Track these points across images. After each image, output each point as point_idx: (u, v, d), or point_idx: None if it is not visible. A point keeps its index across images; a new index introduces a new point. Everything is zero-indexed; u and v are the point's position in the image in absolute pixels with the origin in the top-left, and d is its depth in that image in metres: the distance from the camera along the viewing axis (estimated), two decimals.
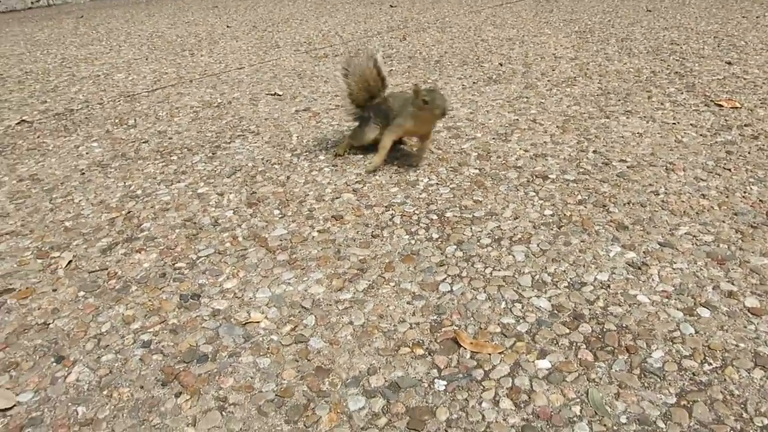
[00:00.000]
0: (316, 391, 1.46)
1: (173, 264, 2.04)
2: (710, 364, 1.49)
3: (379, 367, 1.53)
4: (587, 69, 4.62)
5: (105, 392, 1.48)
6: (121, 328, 1.72)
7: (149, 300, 1.84)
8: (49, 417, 1.42)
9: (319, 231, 2.23)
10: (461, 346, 1.59)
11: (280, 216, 2.36)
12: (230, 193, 2.59)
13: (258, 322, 1.72)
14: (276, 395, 1.45)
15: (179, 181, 2.71)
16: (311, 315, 1.75)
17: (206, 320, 1.74)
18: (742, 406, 1.37)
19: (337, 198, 2.50)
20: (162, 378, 1.52)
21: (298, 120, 3.57)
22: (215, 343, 1.64)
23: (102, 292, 1.90)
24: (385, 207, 2.39)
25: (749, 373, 1.46)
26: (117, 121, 3.63)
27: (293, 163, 2.90)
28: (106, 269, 2.03)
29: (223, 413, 1.40)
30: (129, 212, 2.44)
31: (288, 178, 2.73)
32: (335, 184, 2.63)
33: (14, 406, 1.45)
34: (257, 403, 1.43)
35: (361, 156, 2.94)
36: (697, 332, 1.60)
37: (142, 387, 1.49)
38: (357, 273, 1.95)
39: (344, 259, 2.03)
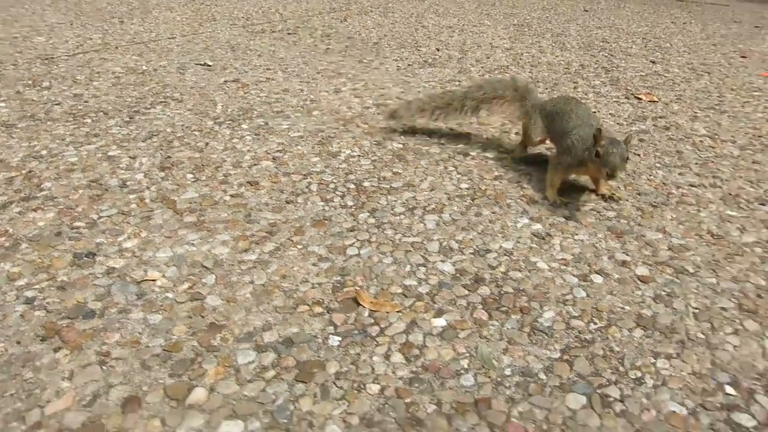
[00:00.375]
0: (206, 347, 1.43)
1: (71, 223, 1.95)
2: (596, 323, 1.54)
3: (275, 324, 1.51)
4: (520, 59, 4.71)
5: None
6: (4, 284, 1.63)
7: (39, 258, 1.75)
8: None
9: (231, 195, 2.18)
10: (360, 305, 1.58)
11: (193, 180, 2.30)
12: (143, 156, 2.50)
13: (154, 280, 1.67)
14: (163, 350, 1.41)
15: (90, 143, 2.60)
16: (212, 274, 1.71)
17: (99, 278, 1.67)
18: (620, 360, 1.42)
19: (255, 165, 2.46)
20: (42, 333, 1.45)
21: (225, 90, 3.49)
22: (105, 300, 1.58)
23: None
24: (303, 175, 2.37)
25: (630, 332, 1.52)
26: (30, 82, 3.45)
27: (214, 130, 2.83)
28: None
29: (103, 367, 1.35)
30: (30, 172, 2.32)
31: (207, 144, 2.66)
32: (255, 152, 2.59)
33: None
34: (141, 358, 1.39)
35: (288, 125, 2.89)
36: (588, 296, 1.66)
37: (18, 342, 1.42)
38: (265, 236, 1.92)
39: (254, 222, 2.00)
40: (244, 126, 2.90)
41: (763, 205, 2.26)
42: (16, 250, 1.79)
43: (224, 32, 5.22)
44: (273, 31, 5.37)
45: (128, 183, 2.26)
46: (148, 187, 2.22)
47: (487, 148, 2.73)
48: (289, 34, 5.30)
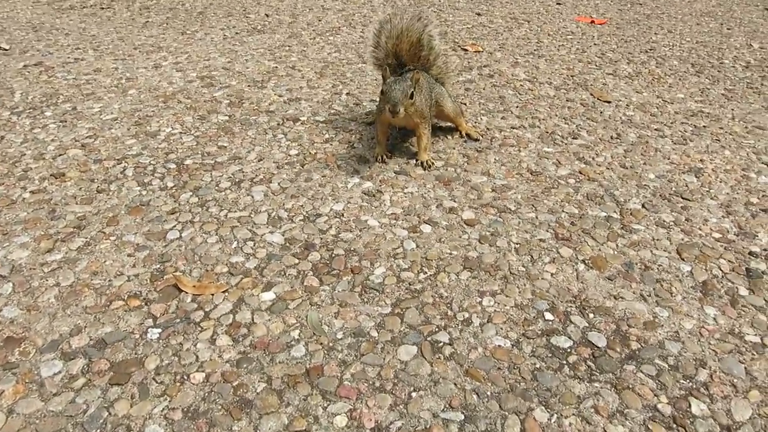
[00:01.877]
0: (1, 364, 1.26)
1: None
2: (425, 273, 1.56)
3: (85, 327, 1.37)
4: (352, 19, 4.66)
5: None
6: None
7: None
8: None
9: (32, 192, 1.94)
10: (182, 291, 1.48)
11: None
12: None
13: None
14: None
15: None
16: (8, 283, 1.51)
17: None
18: (448, 305, 1.45)
19: (60, 155, 2.21)
20: None
21: (25, 76, 3.10)
22: None
23: None
24: (117, 160, 2.17)
25: (458, 276, 1.56)
26: None
27: (11, 121, 2.51)
28: None
29: None
30: None
31: (2, 138, 2.34)
32: (61, 141, 2.33)
33: None
34: None
35: (99, 108, 2.63)
36: (417, 247, 1.67)
37: None
38: (73, 231, 1.73)
39: (59, 218, 1.79)
40: (48, 113, 2.60)
41: (575, 138, 2.42)
42: None
43: (25, 11, 4.65)
44: (84, 7, 4.87)
45: None
46: None
47: (318, 112, 2.67)
48: (102, 8, 4.84)
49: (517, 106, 2.79)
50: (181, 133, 2.42)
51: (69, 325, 1.37)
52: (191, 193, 1.94)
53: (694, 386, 1.25)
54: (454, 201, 1.92)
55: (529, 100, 2.89)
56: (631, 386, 1.24)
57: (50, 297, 1.46)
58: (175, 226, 1.76)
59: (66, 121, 2.51)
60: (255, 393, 1.20)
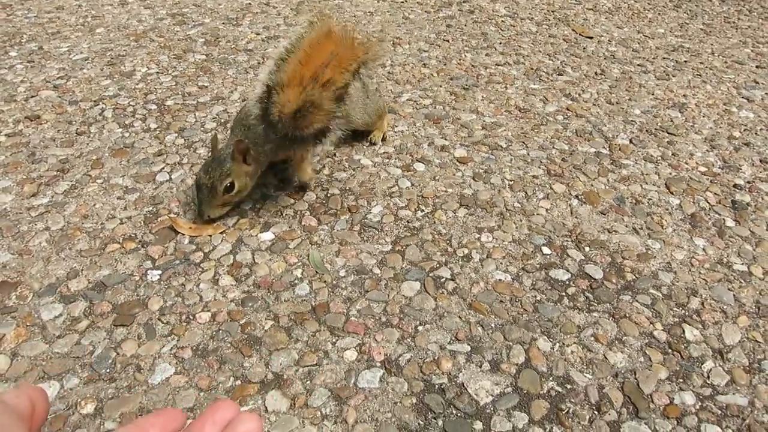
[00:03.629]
0: None
1: None
2: (423, 210, 1.57)
3: (82, 270, 1.34)
4: None
5: None
6: None
7: None
8: None
9: (7, 135, 1.86)
10: (179, 232, 1.45)
11: None
12: None
13: None
14: None
15: None
16: None
17: None
18: (448, 242, 1.46)
19: (32, 97, 2.11)
20: None
21: None
22: None
23: None
24: (94, 101, 2.08)
25: (455, 213, 1.56)
26: None
27: None
28: None
29: None
30: None
31: None
32: (31, 82, 2.22)
33: None
34: None
35: (68, 48, 2.51)
36: (412, 185, 1.67)
37: None
38: (57, 175, 1.67)
39: (40, 161, 1.73)
40: (13, 53, 2.46)
41: (560, 75, 2.41)
42: None
43: None
44: None
45: None
46: None
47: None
48: None
49: (500, 43, 2.75)
50: (158, 72, 2.33)
51: (65, 268, 1.34)
52: (176, 135, 1.89)
53: (687, 314, 1.30)
54: (445, 139, 1.91)
55: (512, 36, 2.85)
56: (627, 315, 1.29)
57: (41, 241, 1.42)
58: (163, 168, 1.71)
59: (33, 62, 2.39)
60: (263, 330, 1.21)
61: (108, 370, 1.11)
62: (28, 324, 1.20)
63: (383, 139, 1.84)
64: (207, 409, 0.47)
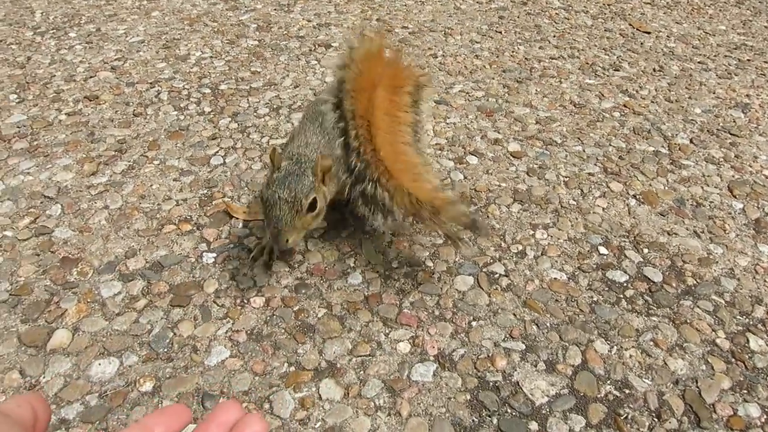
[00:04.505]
0: (61, 284, 1.26)
1: None
2: (476, 204, 1.54)
3: (140, 249, 1.36)
4: None
5: None
6: None
7: None
8: None
9: (67, 114, 1.90)
10: (233, 216, 1.46)
11: (17, 101, 1.98)
12: None
13: None
14: (10, 295, 1.23)
15: None
16: (56, 204, 1.49)
17: None
18: (501, 237, 1.44)
19: (91, 77, 2.15)
20: None
21: None
22: None
23: None
24: (150, 84, 2.11)
25: (509, 208, 1.54)
26: None
27: (36, 42, 2.43)
28: None
29: None
30: None
31: (29, 59, 2.28)
32: (89, 63, 2.26)
33: None
34: None
35: (124, 30, 2.55)
36: (465, 177, 1.65)
37: None
38: (115, 155, 1.70)
39: (99, 141, 1.76)
40: (72, 34, 2.51)
41: (617, 71, 2.35)
42: None
43: None
44: None
45: None
46: None
47: (349, 38, 2.58)
48: None
49: (554, 36, 2.69)
50: (211, 57, 2.35)
51: (123, 247, 1.37)
52: (230, 119, 1.90)
53: (751, 323, 1.26)
54: (498, 132, 1.88)
55: (566, 29, 2.79)
56: (688, 321, 1.25)
57: (101, 219, 1.45)
58: (217, 152, 1.73)
59: (92, 43, 2.44)
60: (316, 318, 1.21)
61: (165, 350, 1.13)
62: (88, 300, 1.22)
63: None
64: (212, 412, 0.46)
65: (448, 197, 1.20)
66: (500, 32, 2.70)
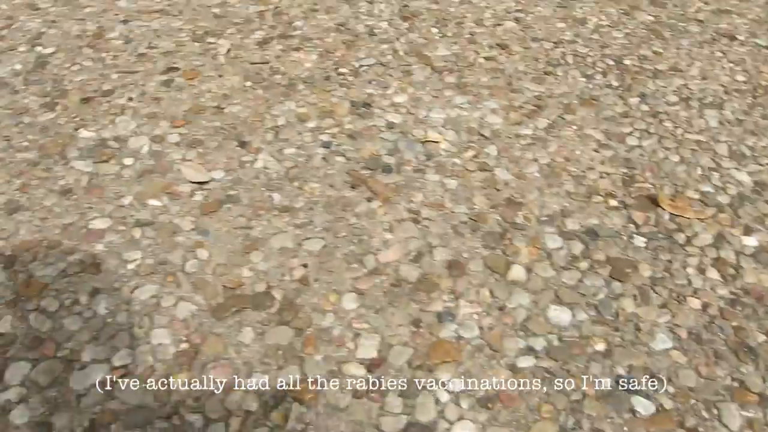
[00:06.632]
0: (510, 223, 1.41)
1: (336, 69, 1.93)
2: None
3: (573, 211, 1.46)
4: None
5: (296, 184, 1.46)
6: (297, 124, 1.66)
7: (319, 101, 1.76)
8: (245, 197, 1.41)
9: (485, 58, 2.06)
10: (659, 206, 1.49)
11: (439, 35, 2.18)
12: (380, 2, 2.38)
13: (437, 142, 1.64)
14: (469, 218, 1.41)
15: None
16: (492, 145, 1.65)
17: (383, 131, 1.66)
18: None
19: (498, 25, 2.28)
20: (349, 181, 1.48)
21: None
22: (396, 156, 1.58)
23: (269, 86, 1.82)
24: (554, 43, 2.18)
25: None
26: None
27: None
28: (268, 63, 1.93)
29: (418, 226, 1.38)
30: (277, 7, 2.27)
31: None
32: (494, 9, 2.40)
33: (210, 181, 1.44)
34: (451, 223, 1.39)
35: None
36: None
37: (331, 186, 1.46)
38: (534, 109, 1.81)
39: (518, 92, 1.89)
40: None
41: None
42: (295, 89, 1.80)
43: None
44: None
45: (375, 31, 2.17)
46: (397, 38, 2.13)
47: (756, 33, 2.38)
48: None
49: None
50: (609, 26, 2.34)
51: (558, 204, 1.47)
52: (639, 99, 1.90)
53: None
54: None
55: None
56: None
57: (533, 171, 1.57)
58: (632, 132, 1.75)
59: None
60: (756, 342, 1.20)
61: (612, 318, 1.22)
62: (536, 246, 1.35)
63: None
64: None
65: None
66: None
